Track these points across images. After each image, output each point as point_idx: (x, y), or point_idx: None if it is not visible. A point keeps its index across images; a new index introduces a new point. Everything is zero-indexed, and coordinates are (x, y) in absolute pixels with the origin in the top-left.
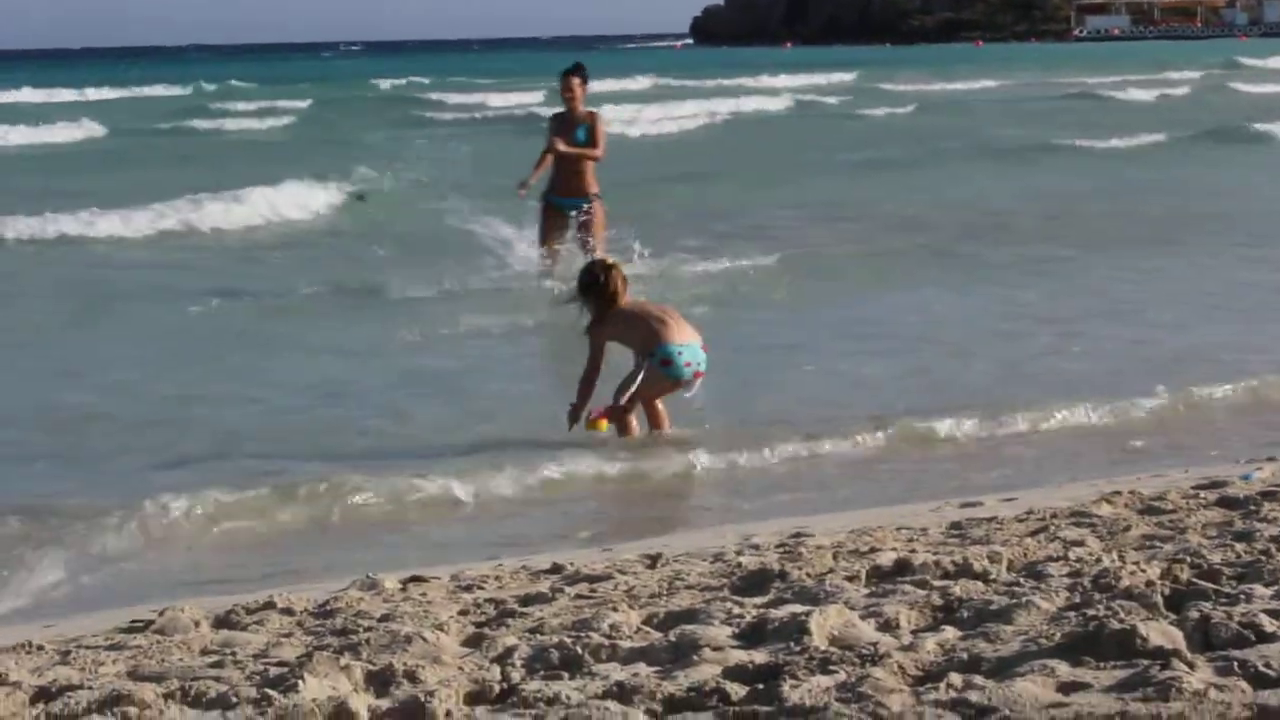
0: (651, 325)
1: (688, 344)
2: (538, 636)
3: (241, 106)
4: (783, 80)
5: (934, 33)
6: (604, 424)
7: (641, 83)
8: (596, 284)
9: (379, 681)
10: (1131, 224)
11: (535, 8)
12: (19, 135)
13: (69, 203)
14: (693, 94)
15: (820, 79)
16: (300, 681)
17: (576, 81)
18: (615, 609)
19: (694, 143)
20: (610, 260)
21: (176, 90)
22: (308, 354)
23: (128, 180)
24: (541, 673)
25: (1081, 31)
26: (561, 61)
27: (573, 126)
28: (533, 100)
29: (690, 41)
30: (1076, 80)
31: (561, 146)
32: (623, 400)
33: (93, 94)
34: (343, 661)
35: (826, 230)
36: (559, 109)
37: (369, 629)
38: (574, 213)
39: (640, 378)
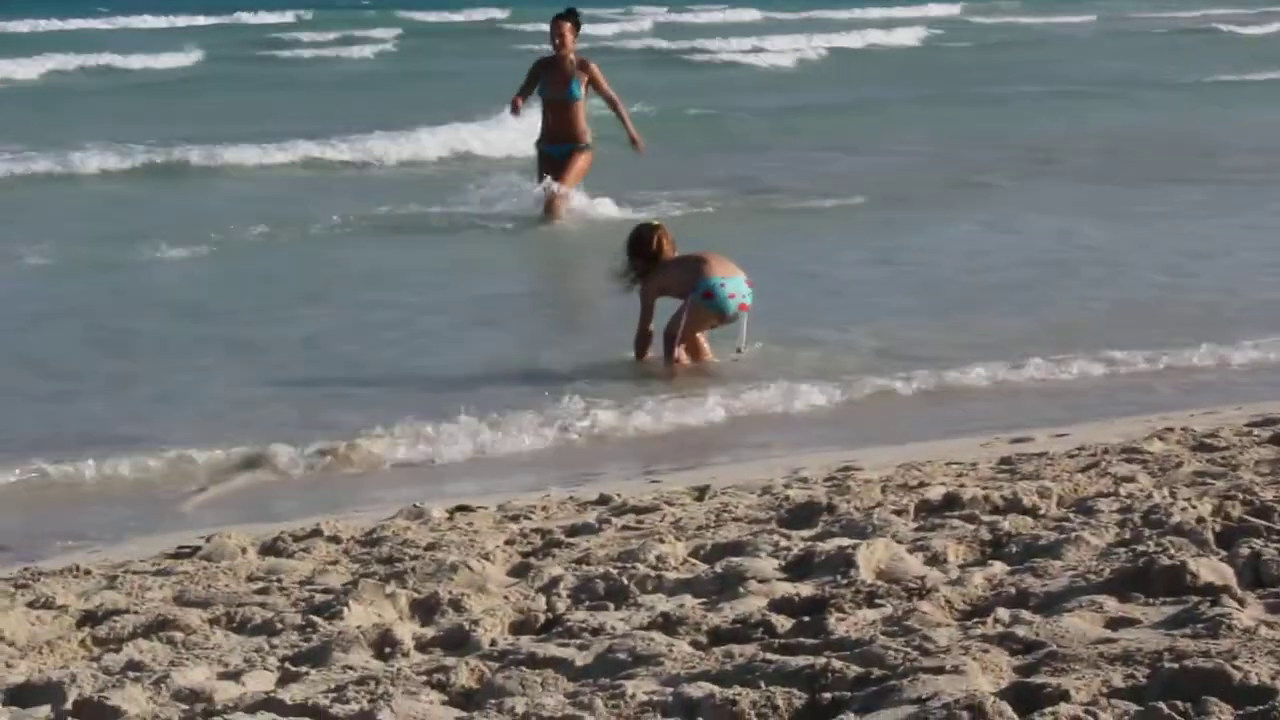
0: (692, 265)
1: (731, 277)
2: (584, 567)
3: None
4: (890, 12)
5: None
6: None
7: (751, 14)
8: (644, 246)
9: (424, 609)
10: None
11: None
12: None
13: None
14: (808, 27)
15: (929, 11)
16: (345, 609)
17: (568, 27)
18: (662, 540)
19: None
20: (655, 221)
21: (269, 16)
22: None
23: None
24: (587, 603)
25: None
26: None
27: (565, 78)
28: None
29: None
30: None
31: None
32: (676, 343)
33: (185, 21)
34: (388, 589)
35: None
36: (547, 54)
37: (415, 557)
38: (564, 159)
39: (686, 314)
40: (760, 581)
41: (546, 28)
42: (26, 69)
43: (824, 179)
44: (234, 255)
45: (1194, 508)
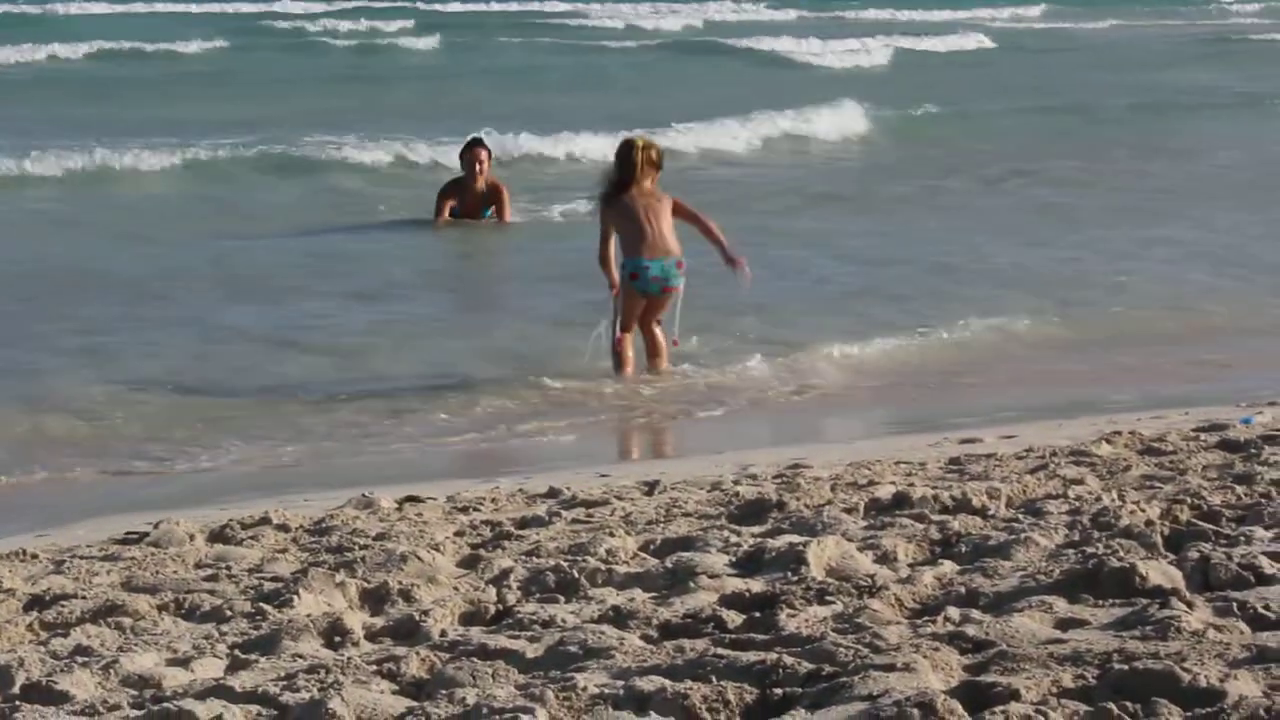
0: (634, 232)
1: (658, 259)
2: (534, 559)
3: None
4: (948, 15)
5: None
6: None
7: (789, 14)
8: (620, 160)
9: (374, 599)
10: None
11: None
12: None
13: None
14: (852, 29)
15: (994, 12)
16: (295, 597)
17: (485, 154)
18: (612, 534)
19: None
20: (647, 139)
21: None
22: None
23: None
24: (537, 595)
25: None
26: None
27: (477, 200)
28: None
29: None
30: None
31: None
32: (616, 329)
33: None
34: (338, 578)
35: None
36: (458, 175)
37: (364, 547)
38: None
39: (620, 300)
40: (711, 577)
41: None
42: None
43: None
44: None
45: (1143, 511)
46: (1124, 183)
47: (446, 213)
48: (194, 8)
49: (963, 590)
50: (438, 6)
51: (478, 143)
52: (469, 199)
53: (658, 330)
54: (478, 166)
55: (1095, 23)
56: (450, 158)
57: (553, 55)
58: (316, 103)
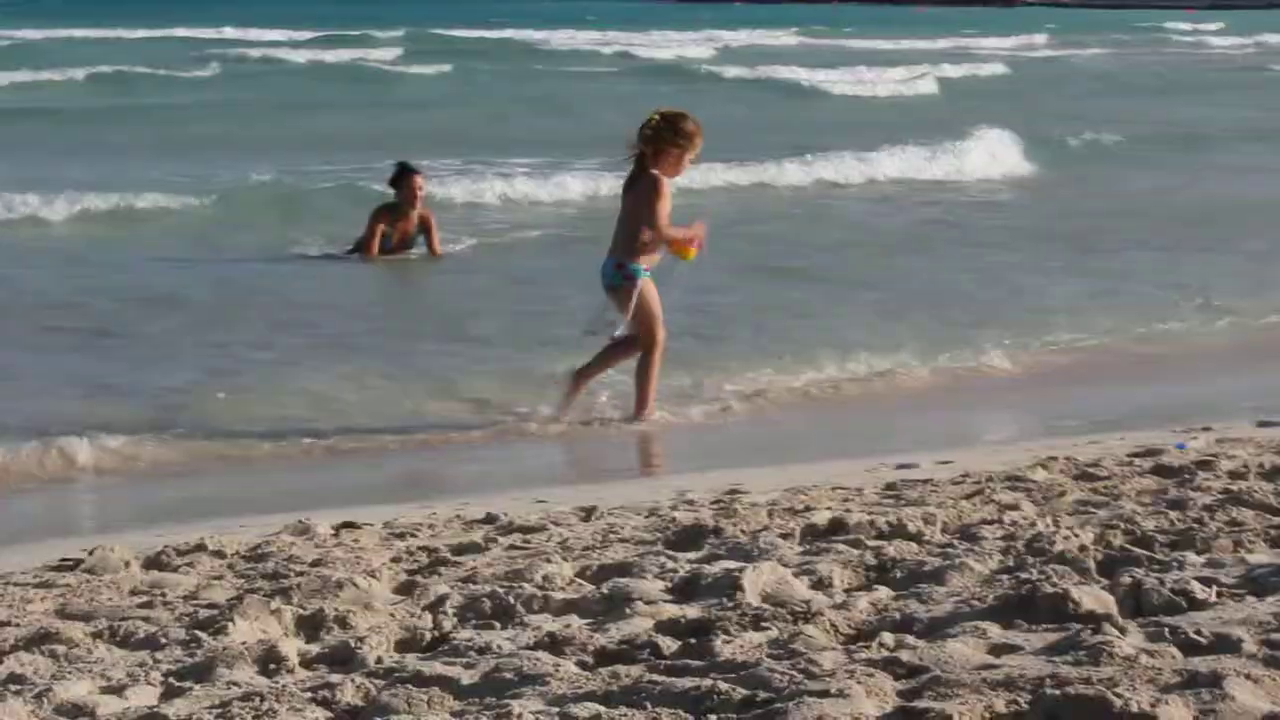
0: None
1: (606, 259)
2: (470, 586)
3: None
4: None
5: None
6: (691, 252)
7: (785, 39)
8: (676, 122)
9: (310, 626)
10: None
11: None
12: None
13: None
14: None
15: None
16: (230, 624)
17: (421, 180)
18: (549, 560)
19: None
20: (669, 113)
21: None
22: None
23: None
24: (473, 622)
25: None
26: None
27: (411, 229)
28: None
29: None
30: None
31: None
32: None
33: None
34: (273, 605)
35: None
36: (389, 201)
37: (300, 573)
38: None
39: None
40: (647, 603)
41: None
42: None
43: None
44: None
45: (1076, 536)
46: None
47: (379, 239)
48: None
49: (898, 616)
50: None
51: (413, 169)
52: (403, 227)
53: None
54: (417, 193)
55: (1084, 49)
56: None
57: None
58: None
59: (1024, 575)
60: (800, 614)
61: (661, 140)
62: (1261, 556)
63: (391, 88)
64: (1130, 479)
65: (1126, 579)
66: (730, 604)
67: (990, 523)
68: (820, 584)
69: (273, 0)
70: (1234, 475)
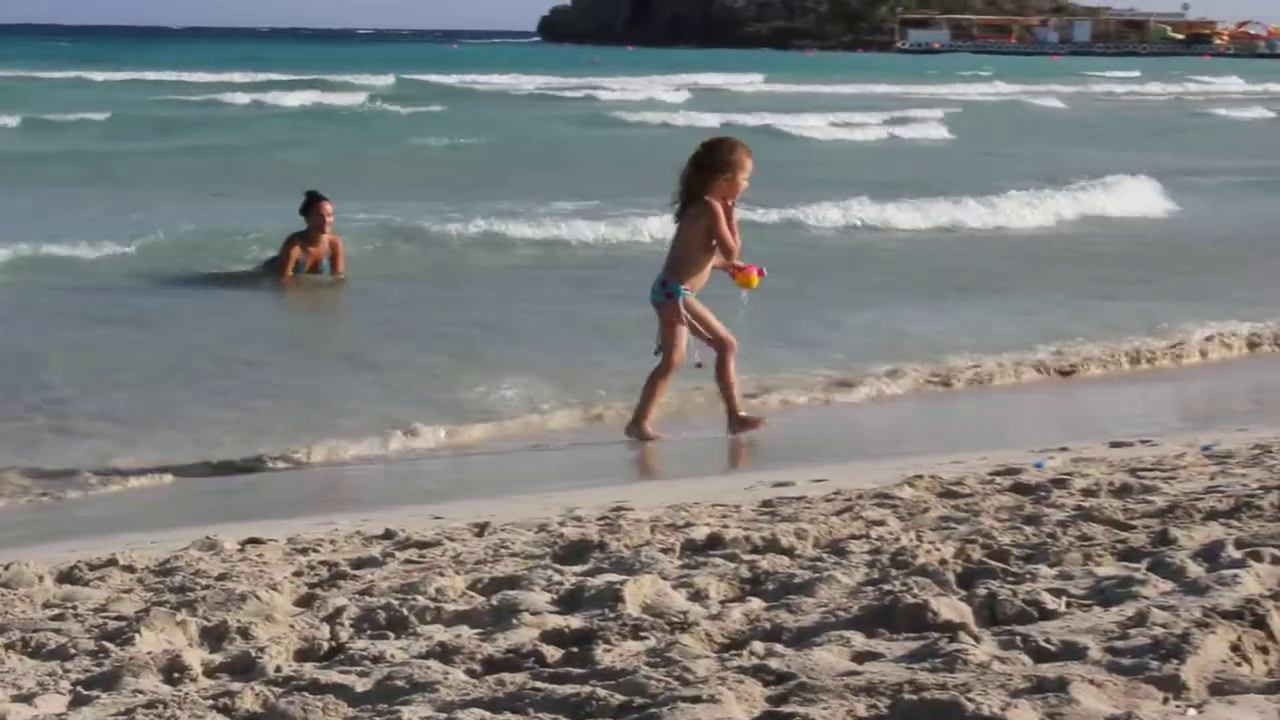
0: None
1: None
2: (367, 598)
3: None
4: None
5: (768, 39)
6: (755, 279)
7: (741, 84)
8: (719, 151)
9: (213, 637)
10: None
11: None
12: None
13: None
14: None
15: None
16: (137, 635)
17: (329, 207)
18: (442, 574)
19: None
20: (712, 142)
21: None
22: None
23: None
24: (369, 632)
25: (904, 44)
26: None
27: (321, 254)
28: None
29: (538, 40)
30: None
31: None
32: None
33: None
34: (179, 617)
35: None
36: (300, 230)
37: (206, 587)
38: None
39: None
40: (533, 614)
41: None
42: None
43: None
44: None
45: (938, 550)
46: None
47: (292, 266)
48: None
49: (768, 626)
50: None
51: (322, 197)
52: (316, 252)
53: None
54: (326, 219)
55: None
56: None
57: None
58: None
59: (887, 587)
60: (677, 624)
61: (708, 169)
62: (1109, 569)
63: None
64: (990, 496)
65: (982, 590)
66: (612, 615)
67: (858, 538)
68: (697, 596)
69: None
70: (1086, 493)
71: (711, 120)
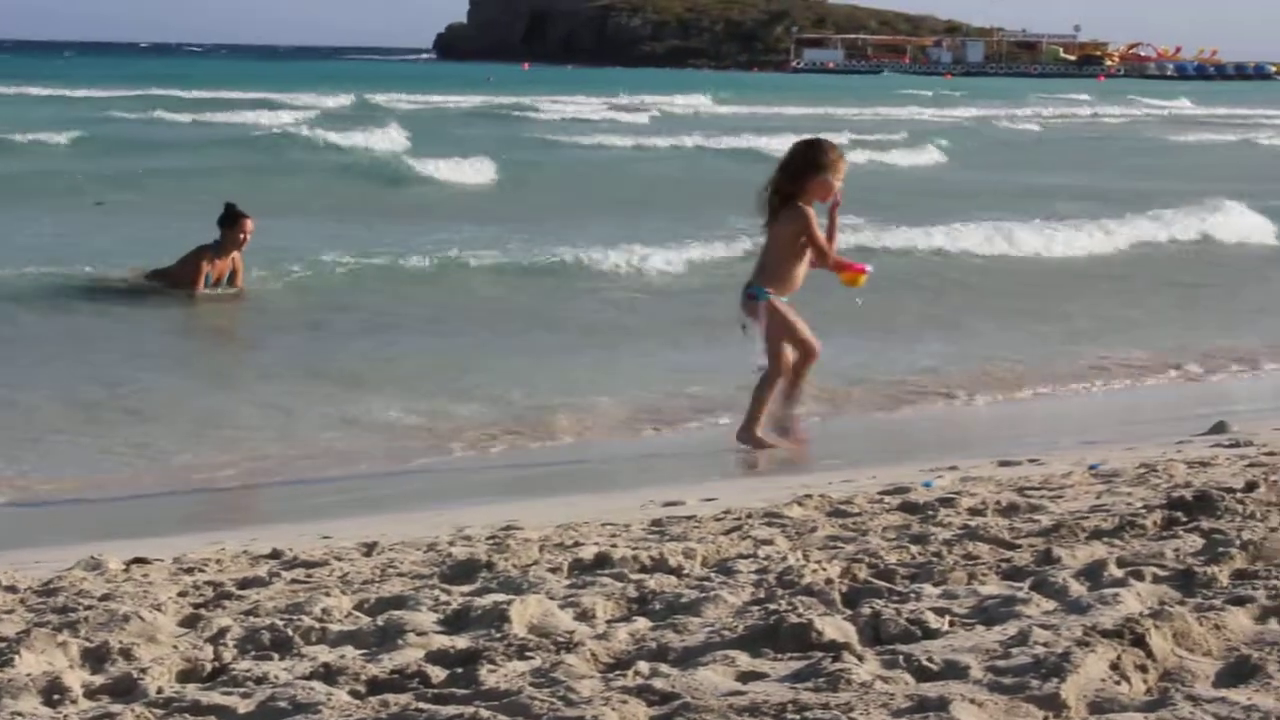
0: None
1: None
2: (251, 618)
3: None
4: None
5: (663, 58)
6: (862, 278)
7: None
8: (793, 156)
9: (94, 658)
10: None
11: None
12: None
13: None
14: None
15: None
16: (16, 656)
17: (251, 224)
18: (328, 594)
19: None
20: (806, 143)
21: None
22: None
23: None
24: (252, 653)
25: (799, 64)
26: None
27: (228, 265)
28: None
29: (434, 55)
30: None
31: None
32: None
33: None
34: (60, 638)
35: None
36: (211, 244)
37: (89, 607)
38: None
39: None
40: (419, 634)
41: None
42: None
43: None
44: None
45: (824, 569)
46: None
47: (203, 277)
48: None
49: (654, 646)
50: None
51: (244, 213)
52: (222, 266)
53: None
54: (247, 237)
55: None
56: None
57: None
58: None
59: (773, 607)
60: (563, 644)
61: (802, 171)
62: (992, 588)
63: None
64: (879, 515)
65: (867, 610)
66: (498, 635)
67: (746, 557)
68: (583, 615)
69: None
70: (973, 511)
71: (691, 141)
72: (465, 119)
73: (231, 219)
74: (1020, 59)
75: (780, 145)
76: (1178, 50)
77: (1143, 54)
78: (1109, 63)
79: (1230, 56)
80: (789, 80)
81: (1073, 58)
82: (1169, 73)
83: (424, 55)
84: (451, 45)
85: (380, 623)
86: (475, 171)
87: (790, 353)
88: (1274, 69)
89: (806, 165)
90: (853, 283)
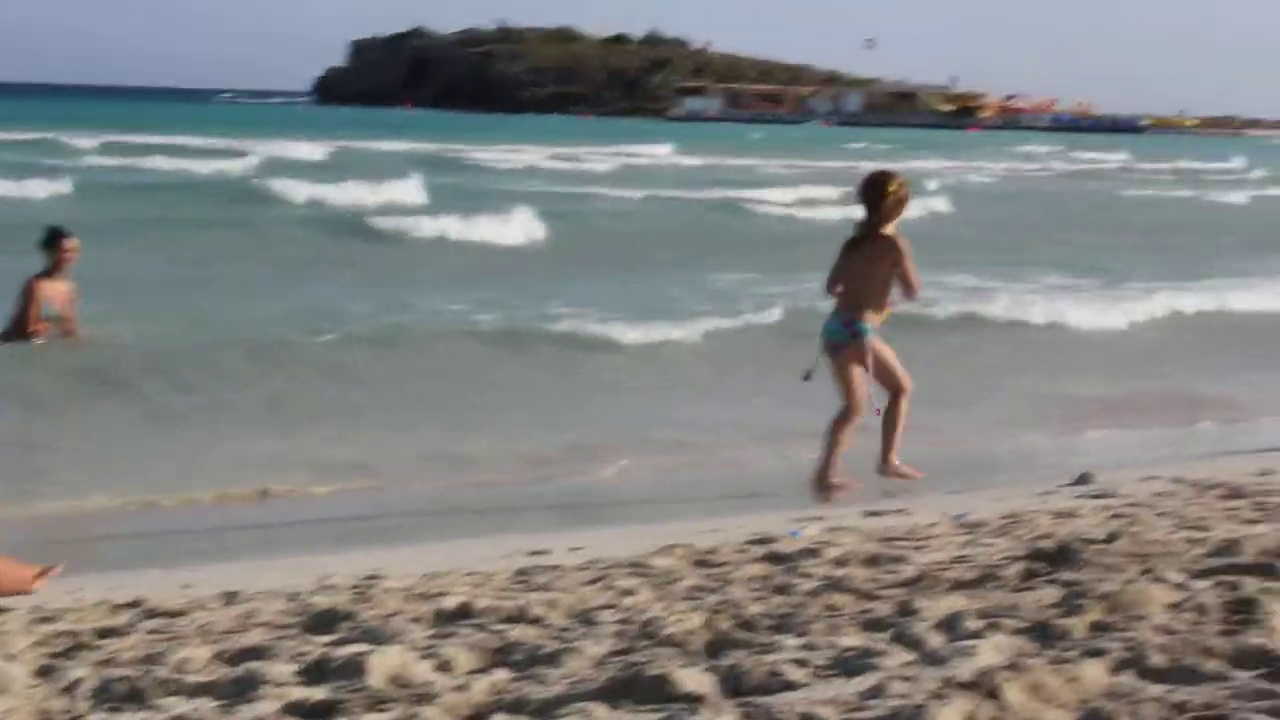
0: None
1: (834, 314)
2: (107, 669)
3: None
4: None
5: (544, 104)
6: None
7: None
8: (874, 187)
9: None
10: None
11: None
12: None
13: None
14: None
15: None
16: None
17: (75, 244)
18: (187, 644)
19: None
20: (900, 181)
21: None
22: None
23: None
24: (107, 705)
25: (679, 112)
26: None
27: (58, 293)
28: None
29: (313, 98)
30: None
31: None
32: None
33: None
34: None
35: None
36: (43, 271)
37: None
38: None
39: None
40: (276, 686)
41: None
42: None
43: None
44: None
45: (685, 620)
46: None
47: (39, 308)
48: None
49: (513, 697)
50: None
51: (66, 232)
52: (55, 290)
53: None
54: (68, 256)
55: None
56: None
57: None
58: None
59: (633, 658)
60: (420, 695)
61: (889, 204)
62: (853, 639)
63: None
64: (743, 565)
65: (727, 661)
66: (357, 686)
67: (609, 607)
68: (443, 667)
69: None
70: (837, 562)
71: (665, 194)
72: (419, 166)
73: (51, 239)
74: (898, 109)
75: (760, 198)
76: (1053, 102)
77: (1018, 105)
78: (985, 114)
79: (1103, 110)
80: (677, 129)
81: (949, 108)
82: (1044, 124)
83: (301, 99)
84: (331, 89)
85: (238, 673)
86: (521, 231)
87: (863, 397)
88: (1144, 122)
89: (895, 199)
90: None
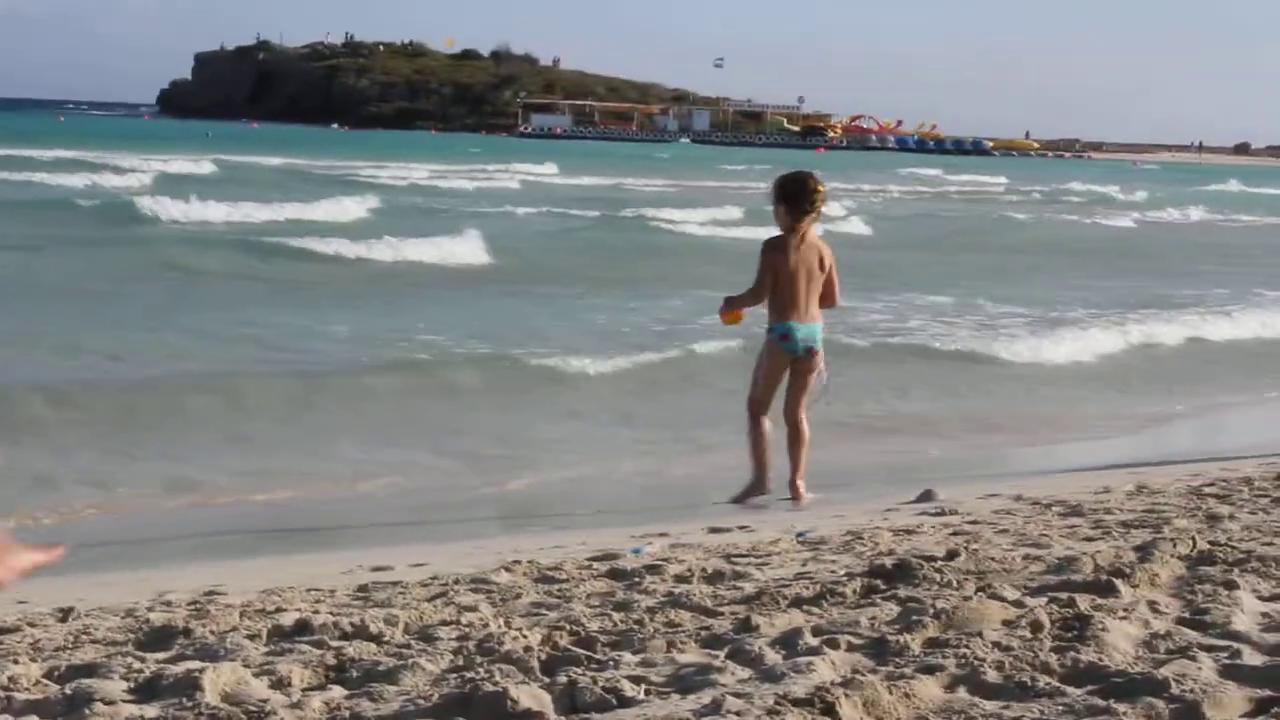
0: (785, 298)
1: (807, 324)
2: None
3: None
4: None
5: (391, 119)
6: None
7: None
8: (799, 189)
9: None
10: None
11: None
12: None
13: None
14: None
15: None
16: None
17: None
18: (17, 661)
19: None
20: (810, 176)
21: None
22: None
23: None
24: None
25: (528, 128)
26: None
27: None
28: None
29: (157, 110)
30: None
31: None
32: (759, 406)
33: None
34: None
35: None
36: None
37: None
38: None
39: (765, 358)
40: (107, 704)
41: None
42: None
43: None
44: None
45: (525, 637)
46: None
47: None
48: None
49: (348, 715)
50: None
51: None
52: None
53: (803, 419)
54: None
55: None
56: None
57: None
58: None
59: (470, 675)
60: (255, 713)
61: (822, 206)
62: (691, 656)
63: None
64: (585, 581)
65: (564, 678)
66: (189, 704)
67: (449, 624)
68: (279, 684)
69: None
70: (679, 579)
71: (593, 212)
72: (320, 185)
73: None
74: (746, 128)
75: (671, 218)
76: (899, 124)
77: (864, 126)
78: (831, 134)
79: (948, 132)
80: (527, 145)
81: (796, 128)
82: (890, 145)
83: (144, 110)
84: (175, 101)
85: (68, 691)
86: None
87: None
88: (989, 144)
89: (816, 194)
90: (735, 320)
